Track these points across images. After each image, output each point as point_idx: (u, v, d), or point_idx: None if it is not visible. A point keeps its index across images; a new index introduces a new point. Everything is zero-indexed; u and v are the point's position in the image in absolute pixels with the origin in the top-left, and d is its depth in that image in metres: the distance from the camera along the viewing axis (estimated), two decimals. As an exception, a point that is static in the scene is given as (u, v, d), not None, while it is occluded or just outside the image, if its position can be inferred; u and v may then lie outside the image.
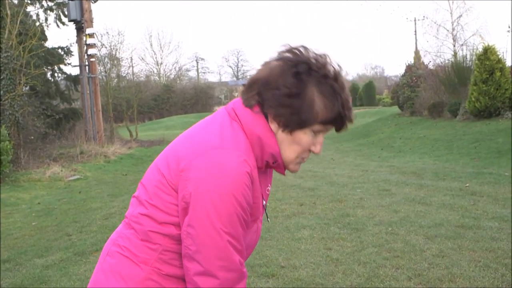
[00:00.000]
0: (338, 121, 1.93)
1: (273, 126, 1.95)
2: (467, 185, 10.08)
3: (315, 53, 1.94)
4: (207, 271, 1.85)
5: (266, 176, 2.18)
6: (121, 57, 34.61)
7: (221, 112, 2.06)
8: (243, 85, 2.03)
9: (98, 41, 28.68)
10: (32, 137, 17.47)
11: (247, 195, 1.87)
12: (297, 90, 1.87)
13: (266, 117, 1.95)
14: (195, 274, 1.87)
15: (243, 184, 1.84)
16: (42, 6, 24.74)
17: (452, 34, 39.60)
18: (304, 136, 1.95)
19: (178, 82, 70.66)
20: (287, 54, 1.94)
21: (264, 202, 2.16)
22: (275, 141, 1.96)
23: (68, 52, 24.70)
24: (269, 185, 2.24)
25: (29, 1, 22.96)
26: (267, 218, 2.25)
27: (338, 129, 1.98)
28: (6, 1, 18.13)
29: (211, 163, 1.83)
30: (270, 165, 2.02)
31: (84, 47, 22.78)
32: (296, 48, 1.95)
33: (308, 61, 1.90)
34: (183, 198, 1.86)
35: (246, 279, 2.00)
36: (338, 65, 1.95)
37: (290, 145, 1.98)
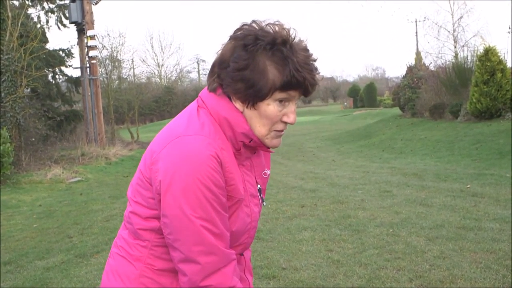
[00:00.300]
0: (296, 84, 1.90)
1: (238, 104, 1.95)
2: (468, 186, 10.07)
3: (265, 24, 1.93)
4: (188, 258, 1.87)
5: (261, 160, 2.20)
6: (122, 59, 34.65)
7: (192, 103, 2.09)
8: None
9: (99, 43, 28.74)
10: (33, 139, 17.48)
11: (215, 178, 1.86)
12: (246, 61, 1.87)
13: (230, 98, 1.96)
14: (179, 262, 1.90)
15: (208, 167, 1.84)
16: (43, 8, 24.81)
17: (453, 35, 39.62)
18: (268, 108, 1.93)
19: (179, 83, 70.73)
20: (238, 32, 1.94)
21: (258, 186, 2.17)
22: (243, 120, 1.96)
23: (69, 54, 24.74)
24: (267, 169, 2.25)
25: (30, 3, 23.01)
26: (263, 202, 2.23)
27: (304, 94, 1.96)
28: (7, 3, 18.15)
29: (175, 151, 1.85)
30: (247, 144, 2.01)
31: (85, 49, 22.79)
32: (245, 24, 1.95)
33: (254, 32, 1.89)
34: (156, 190, 1.88)
35: (235, 262, 1.98)
36: (287, 30, 1.93)
37: (259, 120, 1.96)
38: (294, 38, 1.92)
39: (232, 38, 1.93)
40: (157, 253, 2.00)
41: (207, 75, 2.04)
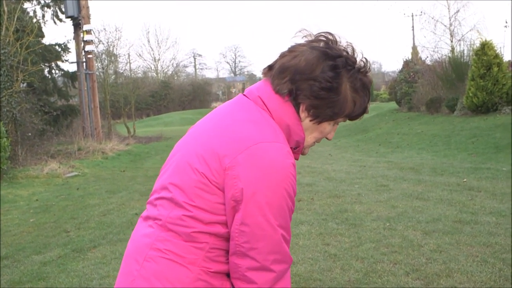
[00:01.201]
0: (362, 114, 2.04)
1: (303, 114, 1.99)
2: (465, 180, 10.09)
3: (342, 44, 2.00)
4: (263, 266, 1.87)
5: None
6: (119, 54, 34.51)
7: (244, 100, 2.04)
8: (268, 67, 2.04)
9: (96, 37, 28.59)
10: (30, 134, 17.45)
11: (295, 186, 1.90)
12: (336, 84, 1.91)
13: (297, 105, 1.97)
14: (248, 270, 1.88)
15: (291, 175, 1.87)
16: (39, 2, 24.70)
17: (450, 30, 39.68)
18: (328, 126, 2.04)
19: (175, 78, 70.65)
20: (320, 44, 1.97)
21: None
22: (302, 129, 2.00)
23: (65, 48, 24.64)
24: None
25: (26, -2, 22.92)
26: None
27: (354, 120, 2.08)
28: (3, -2, 18.08)
29: (259, 158, 1.83)
30: (291, 150, 2.04)
31: (81, 43, 22.71)
32: (325, 37, 1.99)
33: (344, 55, 1.95)
34: (232, 197, 1.84)
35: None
36: (365, 58, 2.00)
37: (312, 132, 2.04)
38: (370, 67, 2.02)
39: (317, 50, 1.95)
40: (213, 255, 1.93)
41: (273, 74, 2.00)
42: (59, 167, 15.84)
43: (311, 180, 11.44)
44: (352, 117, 2.03)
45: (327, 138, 2.12)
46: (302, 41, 2.02)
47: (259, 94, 2.00)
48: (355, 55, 1.99)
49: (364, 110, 2.03)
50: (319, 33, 2.01)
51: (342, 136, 25.00)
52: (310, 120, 1.99)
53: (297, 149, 2.07)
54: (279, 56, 2.01)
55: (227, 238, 1.92)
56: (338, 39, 1.99)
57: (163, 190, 2.02)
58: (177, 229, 1.93)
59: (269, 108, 1.97)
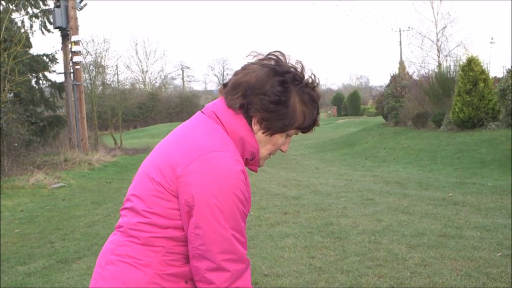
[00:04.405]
0: (311, 126, 2.16)
1: (255, 127, 2.12)
2: (450, 195, 10.14)
3: (292, 61, 2.15)
4: (219, 266, 1.99)
5: None
6: (106, 65, 34.46)
7: (200, 116, 2.20)
8: (223, 85, 2.19)
9: (84, 48, 28.58)
10: (16, 144, 17.35)
11: (244, 191, 2.02)
12: (284, 98, 2.05)
13: (249, 119, 2.11)
14: (206, 271, 2.00)
15: (240, 181, 1.99)
16: (27, 13, 24.68)
17: (437, 45, 39.94)
18: (280, 138, 2.16)
19: (163, 90, 70.51)
20: (270, 62, 2.12)
21: None
22: (255, 140, 2.14)
23: (53, 59, 24.57)
24: None
25: (14, 8, 22.87)
26: None
27: (306, 132, 2.20)
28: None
29: (209, 166, 1.97)
30: (248, 162, 2.20)
31: (69, 54, 22.68)
32: (275, 55, 2.14)
33: (292, 71, 2.09)
34: (185, 202, 1.98)
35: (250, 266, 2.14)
36: (314, 74, 2.15)
37: (265, 145, 2.17)
38: (318, 83, 2.16)
39: (266, 67, 2.10)
40: (169, 259, 2.07)
41: (226, 91, 2.15)
42: (45, 178, 15.76)
43: (297, 193, 11.46)
44: (303, 129, 2.16)
45: (281, 150, 2.24)
46: (254, 60, 2.18)
47: (214, 109, 2.16)
48: (304, 72, 2.13)
49: (314, 122, 2.16)
50: (269, 52, 2.16)
51: (329, 149, 25.05)
52: (263, 133, 2.14)
53: (254, 160, 2.21)
54: (233, 75, 2.17)
55: (183, 242, 2.06)
56: (287, 58, 2.15)
57: (127, 201, 2.19)
58: (136, 234, 2.08)
59: (222, 121, 2.12)
